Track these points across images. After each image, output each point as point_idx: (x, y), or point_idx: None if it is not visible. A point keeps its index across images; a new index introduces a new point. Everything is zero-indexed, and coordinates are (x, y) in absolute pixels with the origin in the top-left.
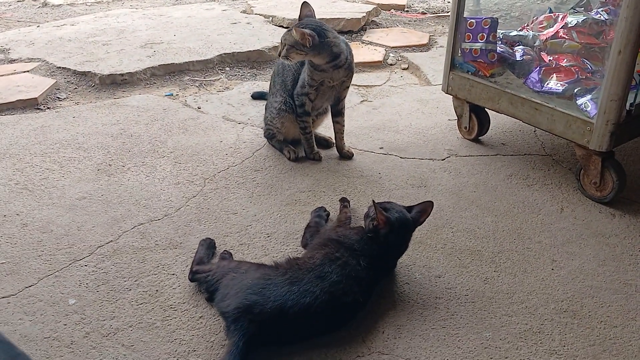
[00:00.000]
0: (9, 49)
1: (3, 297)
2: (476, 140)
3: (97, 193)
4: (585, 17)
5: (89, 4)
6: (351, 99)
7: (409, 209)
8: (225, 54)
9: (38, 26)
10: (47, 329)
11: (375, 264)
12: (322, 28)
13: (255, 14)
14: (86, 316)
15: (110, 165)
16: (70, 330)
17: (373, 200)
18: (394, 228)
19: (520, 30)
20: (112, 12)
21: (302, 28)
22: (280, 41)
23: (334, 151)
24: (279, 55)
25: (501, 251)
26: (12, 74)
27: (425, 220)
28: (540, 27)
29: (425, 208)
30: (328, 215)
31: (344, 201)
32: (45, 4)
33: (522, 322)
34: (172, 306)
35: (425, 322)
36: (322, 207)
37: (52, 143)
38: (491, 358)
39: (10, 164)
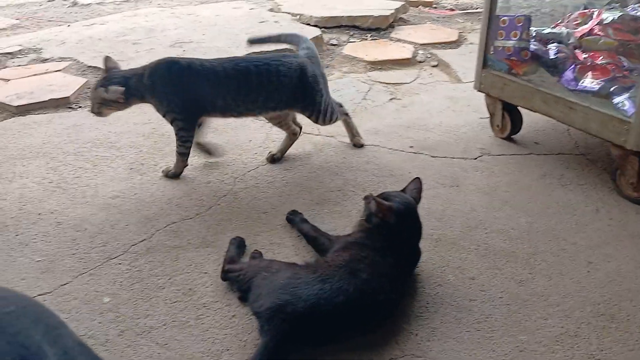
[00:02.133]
0: (41, 49)
1: (39, 295)
2: (509, 138)
3: (130, 192)
4: (621, 13)
5: (118, 2)
6: (380, 96)
7: (403, 190)
8: (253, 52)
9: (68, 25)
10: (83, 327)
11: (401, 256)
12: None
13: (283, 12)
14: (120, 314)
15: (142, 164)
16: (105, 329)
17: (370, 194)
18: (401, 213)
19: (553, 27)
20: (140, 11)
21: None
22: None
23: (363, 151)
24: (92, 112)
25: (536, 252)
26: (44, 73)
27: (421, 196)
28: (574, 24)
29: (417, 185)
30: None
31: (368, 199)
32: (75, 3)
33: (558, 326)
34: (205, 305)
35: (459, 324)
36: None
37: (85, 142)
38: None
39: (44, 163)
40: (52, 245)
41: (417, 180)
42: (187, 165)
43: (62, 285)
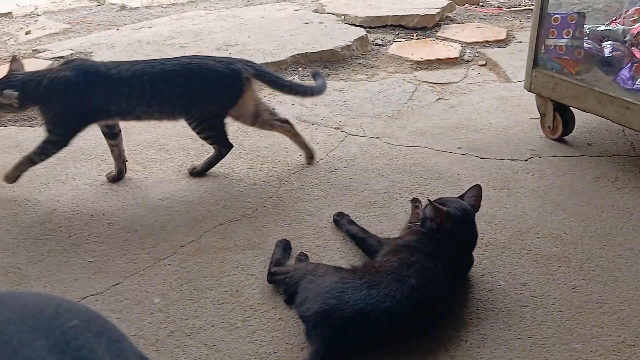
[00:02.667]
0: (92, 52)
1: (92, 295)
2: (560, 140)
3: (178, 194)
4: None
5: (164, 5)
6: (426, 97)
7: (461, 197)
8: (298, 54)
9: (118, 29)
10: (134, 327)
11: (453, 263)
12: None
13: (327, 12)
14: (170, 315)
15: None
16: (155, 329)
17: (429, 199)
18: (458, 220)
19: (608, 24)
20: (187, 14)
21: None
22: None
23: (410, 153)
24: None
25: (590, 258)
26: None
27: (480, 204)
28: (631, 21)
29: (477, 193)
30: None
31: (415, 201)
32: (123, 7)
33: (615, 334)
34: (252, 307)
35: (510, 331)
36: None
37: (135, 144)
38: None
39: (96, 165)
40: (104, 246)
41: (477, 187)
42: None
43: (113, 285)
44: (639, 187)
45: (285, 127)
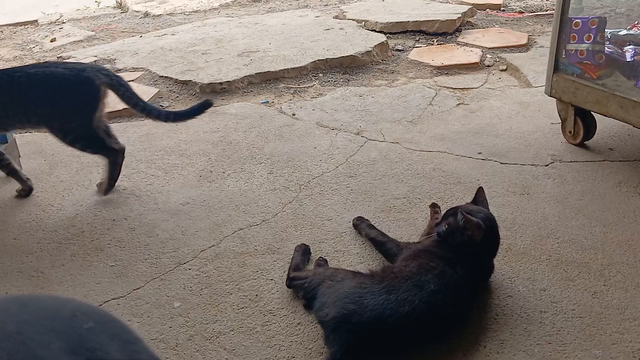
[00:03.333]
0: (115, 59)
1: (113, 299)
2: (581, 145)
3: (199, 199)
4: None
5: (187, 13)
6: (447, 102)
7: (474, 202)
8: (318, 60)
9: (141, 36)
10: (154, 330)
11: (474, 270)
12: None
13: (348, 19)
14: (190, 319)
15: (211, 171)
16: (175, 333)
17: (461, 211)
18: (488, 230)
19: (630, 29)
20: (209, 21)
21: None
22: None
23: (429, 158)
24: None
25: (611, 264)
26: None
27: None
28: None
29: (484, 195)
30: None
31: (434, 206)
32: (146, 15)
33: (636, 340)
34: (272, 311)
35: (530, 337)
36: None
37: (157, 150)
38: None
39: None
40: (125, 250)
41: (481, 189)
42: None
43: (134, 289)
44: None
45: (112, 156)
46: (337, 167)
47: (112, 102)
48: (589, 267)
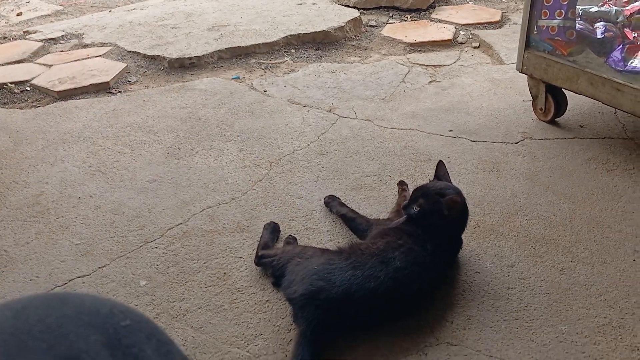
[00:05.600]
0: (83, 34)
1: (78, 277)
2: (552, 122)
3: (167, 176)
4: None
5: None
6: (419, 79)
7: (437, 177)
8: (290, 35)
9: (110, 11)
10: None
11: (443, 246)
12: None
13: None
14: (156, 297)
15: (179, 148)
16: (141, 311)
17: (428, 189)
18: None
19: (601, 5)
20: None
21: None
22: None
23: (401, 135)
24: None
25: (579, 240)
26: (85, 58)
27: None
28: (623, 2)
29: (445, 169)
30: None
31: (402, 184)
32: None
33: (601, 316)
34: (240, 289)
35: (497, 313)
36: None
37: (124, 126)
38: (567, 353)
39: (84, 147)
40: (91, 228)
41: (441, 163)
42: None
43: (100, 267)
44: (630, 169)
45: None
46: (309, 144)
47: (79, 78)
48: (557, 243)
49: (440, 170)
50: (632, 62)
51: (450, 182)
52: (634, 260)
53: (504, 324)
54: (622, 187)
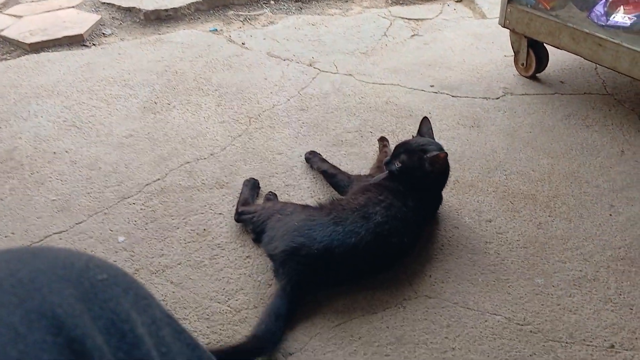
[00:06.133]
0: None
1: (55, 233)
2: (533, 77)
3: (143, 131)
4: None
5: None
6: (401, 33)
7: (420, 134)
8: None
9: None
10: None
11: (423, 202)
12: None
13: None
14: (135, 253)
15: (155, 102)
16: (120, 267)
17: (412, 145)
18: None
19: None
20: None
21: None
22: None
23: (382, 91)
24: None
25: (556, 195)
26: (58, 9)
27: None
28: None
29: (429, 125)
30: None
31: (383, 140)
32: None
33: (577, 269)
34: (220, 245)
35: (474, 266)
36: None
37: (99, 80)
38: (542, 305)
39: (59, 102)
40: (67, 184)
41: (426, 119)
42: None
43: (77, 223)
44: (608, 125)
45: None
46: (289, 99)
47: (51, 30)
48: (535, 198)
49: (424, 127)
50: (614, 17)
51: (434, 138)
52: (610, 215)
53: (481, 277)
54: (600, 143)
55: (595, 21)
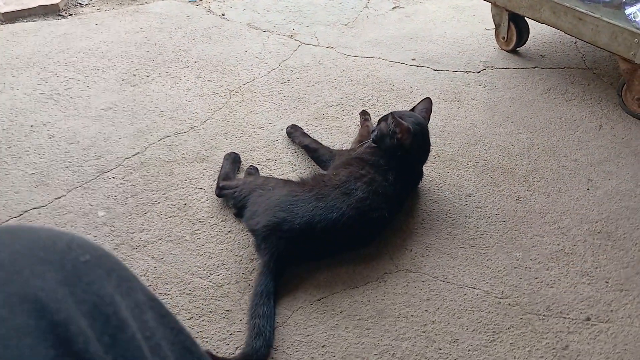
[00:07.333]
0: None
1: (34, 208)
2: (514, 51)
3: (122, 104)
4: None
5: None
6: (382, 5)
7: (412, 110)
8: None
9: None
10: None
11: (404, 176)
12: None
13: None
14: (115, 228)
15: (134, 75)
16: (100, 242)
17: (391, 113)
18: (417, 135)
19: None
20: None
21: None
22: None
23: (363, 64)
24: None
25: (535, 169)
26: None
27: (430, 116)
28: None
29: (427, 105)
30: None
31: (364, 114)
32: None
33: (554, 243)
34: (201, 220)
35: (454, 241)
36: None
37: (76, 52)
38: (520, 278)
39: (35, 73)
40: (45, 158)
41: (428, 100)
42: None
43: (56, 198)
44: (587, 99)
45: None
46: (269, 72)
47: None
48: (514, 173)
49: (421, 105)
50: None
51: (427, 118)
52: (588, 189)
53: (461, 251)
54: (579, 117)
55: None
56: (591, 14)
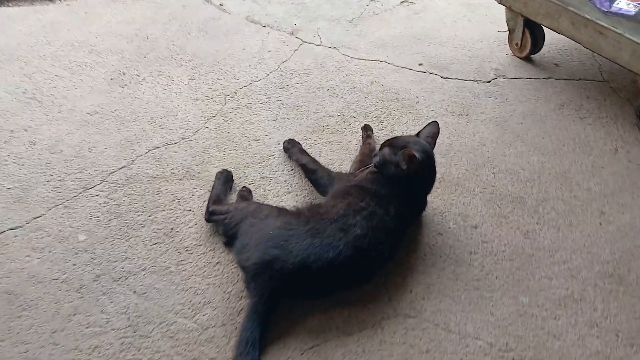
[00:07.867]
0: None
1: (10, 229)
2: (527, 58)
3: (109, 107)
4: None
5: None
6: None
7: (417, 134)
8: None
9: None
10: (56, 268)
11: (406, 207)
12: None
13: None
14: (96, 255)
15: (124, 73)
16: (79, 272)
17: (397, 141)
18: (423, 164)
19: None
20: None
21: None
22: None
23: (368, 68)
24: None
25: (546, 199)
26: None
27: (436, 142)
28: None
29: (434, 130)
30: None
31: (367, 129)
32: None
33: (563, 287)
34: (188, 248)
35: (457, 281)
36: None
37: (63, 44)
38: (526, 329)
39: (18, 69)
40: (25, 168)
41: (435, 124)
42: None
43: (35, 218)
44: (603, 117)
45: None
46: (268, 74)
47: None
48: (523, 202)
49: (427, 130)
50: (617, 4)
51: (433, 143)
52: (600, 224)
53: (464, 294)
54: (593, 139)
55: (598, 6)
56: (613, 29)
